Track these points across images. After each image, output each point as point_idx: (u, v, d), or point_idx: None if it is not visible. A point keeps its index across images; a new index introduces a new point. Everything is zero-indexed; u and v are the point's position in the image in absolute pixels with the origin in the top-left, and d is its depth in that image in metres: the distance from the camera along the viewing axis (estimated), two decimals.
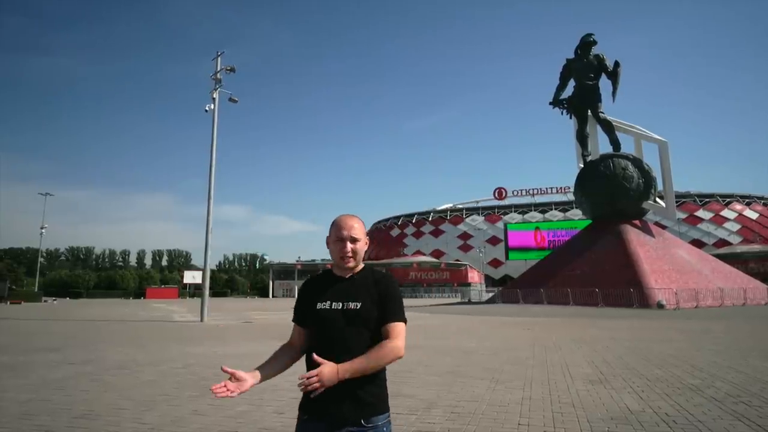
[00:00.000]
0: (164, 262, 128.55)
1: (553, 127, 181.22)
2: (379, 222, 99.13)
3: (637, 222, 30.29)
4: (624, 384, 5.81)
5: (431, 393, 5.42)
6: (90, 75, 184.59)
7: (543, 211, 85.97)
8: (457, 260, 79.99)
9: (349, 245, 1.68)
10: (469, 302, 42.73)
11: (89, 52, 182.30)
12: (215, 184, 21.25)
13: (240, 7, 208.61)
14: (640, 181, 29.58)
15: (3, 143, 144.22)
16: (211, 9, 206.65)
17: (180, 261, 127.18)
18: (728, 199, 76.32)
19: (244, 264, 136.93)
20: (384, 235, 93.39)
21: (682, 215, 70.20)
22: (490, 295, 40.39)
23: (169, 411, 4.71)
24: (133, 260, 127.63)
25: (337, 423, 1.54)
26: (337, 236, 1.68)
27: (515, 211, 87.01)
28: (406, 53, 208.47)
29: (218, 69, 22.22)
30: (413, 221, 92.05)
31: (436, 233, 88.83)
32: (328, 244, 1.74)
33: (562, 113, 33.08)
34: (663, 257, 27.78)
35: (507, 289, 35.12)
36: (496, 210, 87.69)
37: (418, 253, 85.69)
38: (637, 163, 30.35)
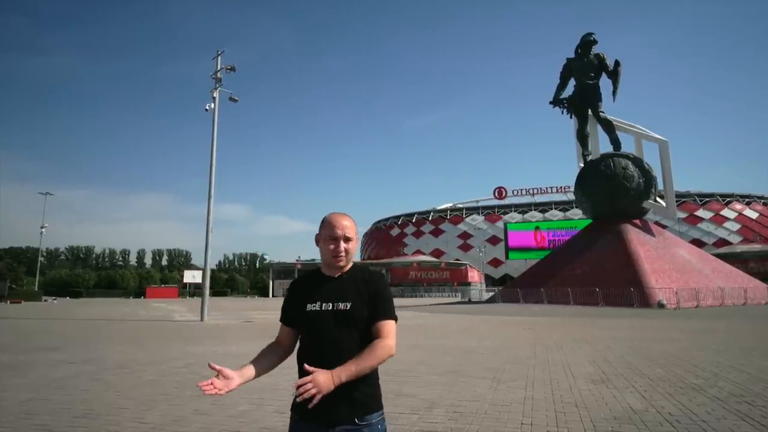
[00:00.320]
0: (164, 262, 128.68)
1: (554, 126, 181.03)
2: (379, 221, 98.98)
3: (637, 221, 30.27)
4: (626, 383, 5.79)
5: (433, 392, 5.40)
6: (88, 74, 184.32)
7: (543, 211, 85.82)
8: (457, 260, 79.87)
9: (343, 245, 1.65)
10: (469, 302, 42.67)
11: (87, 51, 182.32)
12: (215, 183, 21.28)
13: (238, 5, 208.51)
14: (641, 180, 29.56)
15: (2, 142, 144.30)
16: (209, 7, 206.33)
17: (180, 260, 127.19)
18: (728, 199, 76.23)
19: (244, 263, 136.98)
20: (384, 234, 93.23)
21: (683, 215, 70.12)
22: (490, 294, 40.39)
23: (170, 410, 4.69)
24: (133, 260, 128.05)
25: (330, 422, 1.53)
26: (330, 235, 1.65)
27: (515, 211, 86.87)
28: (406, 52, 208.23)
29: (218, 68, 22.15)
30: (413, 221, 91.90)
31: (436, 233, 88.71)
32: (317, 242, 1.71)
33: (562, 113, 33.08)
34: (663, 257, 27.77)
35: (507, 289, 35.11)
36: (496, 209, 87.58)
37: (418, 252, 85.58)
38: (638, 162, 30.33)
